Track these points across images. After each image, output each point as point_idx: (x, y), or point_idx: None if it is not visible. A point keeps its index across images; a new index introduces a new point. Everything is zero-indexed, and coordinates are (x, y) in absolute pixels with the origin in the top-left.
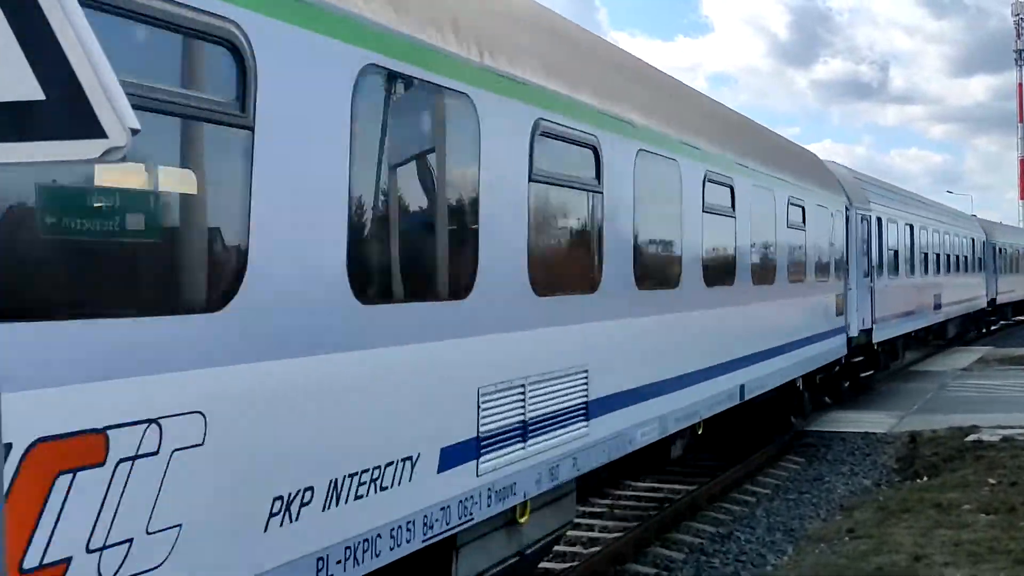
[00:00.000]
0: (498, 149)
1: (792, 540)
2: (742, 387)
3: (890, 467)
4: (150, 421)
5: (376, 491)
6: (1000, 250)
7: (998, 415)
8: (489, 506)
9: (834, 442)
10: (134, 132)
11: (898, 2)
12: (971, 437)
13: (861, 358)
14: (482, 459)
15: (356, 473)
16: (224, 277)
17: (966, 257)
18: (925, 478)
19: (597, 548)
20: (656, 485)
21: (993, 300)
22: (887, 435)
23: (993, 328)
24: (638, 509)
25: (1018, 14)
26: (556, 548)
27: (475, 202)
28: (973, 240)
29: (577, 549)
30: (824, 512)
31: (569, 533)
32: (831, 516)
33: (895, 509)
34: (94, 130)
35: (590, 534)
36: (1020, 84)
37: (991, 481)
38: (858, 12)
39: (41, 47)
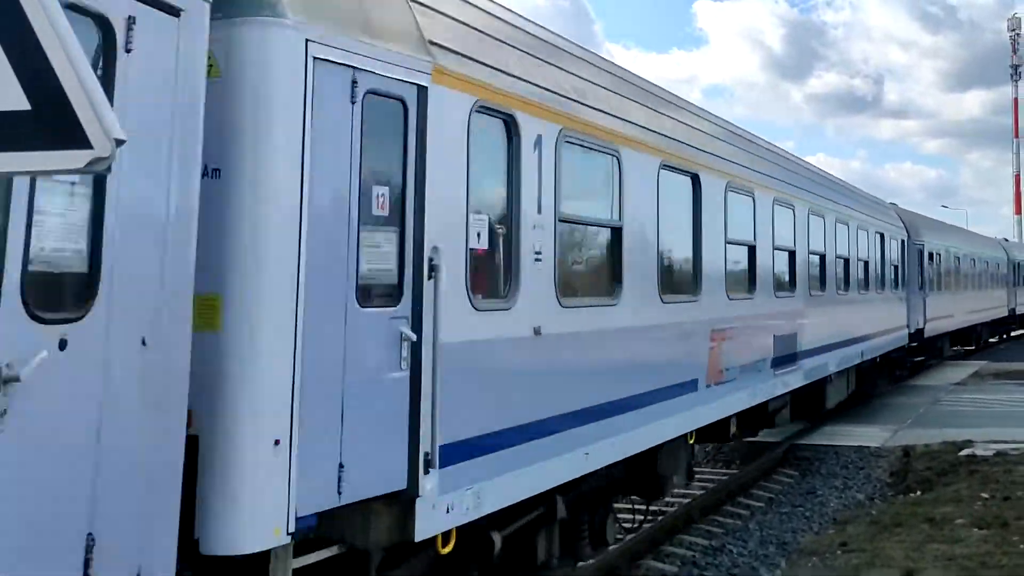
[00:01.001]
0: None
1: (784, 553)
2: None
3: (883, 481)
4: None
5: None
6: (1019, 265)
7: (992, 429)
8: None
9: (828, 455)
10: (119, 143)
11: (893, 16)
12: (965, 451)
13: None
14: None
15: None
16: None
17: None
18: (918, 492)
19: (591, 560)
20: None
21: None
22: (881, 449)
23: (1013, 333)
24: (630, 522)
25: (1014, 29)
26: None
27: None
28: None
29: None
30: (817, 525)
31: None
32: (824, 530)
33: (888, 523)
34: (79, 141)
35: None
36: (1016, 99)
37: (984, 496)
38: (852, 26)
39: (27, 57)
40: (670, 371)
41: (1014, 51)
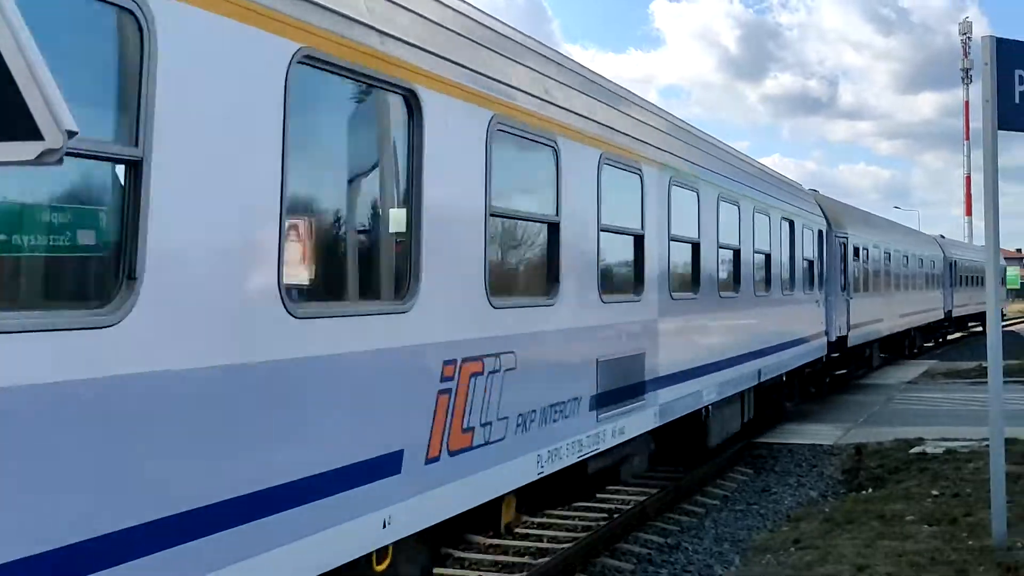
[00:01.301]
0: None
1: (739, 551)
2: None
3: (836, 479)
4: None
5: None
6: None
7: (942, 427)
8: None
9: (782, 454)
10: (71, 134)
11: (847, 18)
12: (915, 449)
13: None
14: None
15: None
16: None
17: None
18: (870, 489)
19: (546, 559)
20: (607, 496)
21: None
22: (834, 447)
23: (950, 337)
24: (587, 520)
25: (965, 33)
26: (503, 558)
27: None
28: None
29: (526, 560)
30: (771, 523)
31: (517, 543)
32: (778, 527)
33: (840, 520)
34: (29, 131)
35: (539, 544)
36: (967, 102)
37: (934, 493)
38: (807, 27)
39: None
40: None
41: (965, 54)
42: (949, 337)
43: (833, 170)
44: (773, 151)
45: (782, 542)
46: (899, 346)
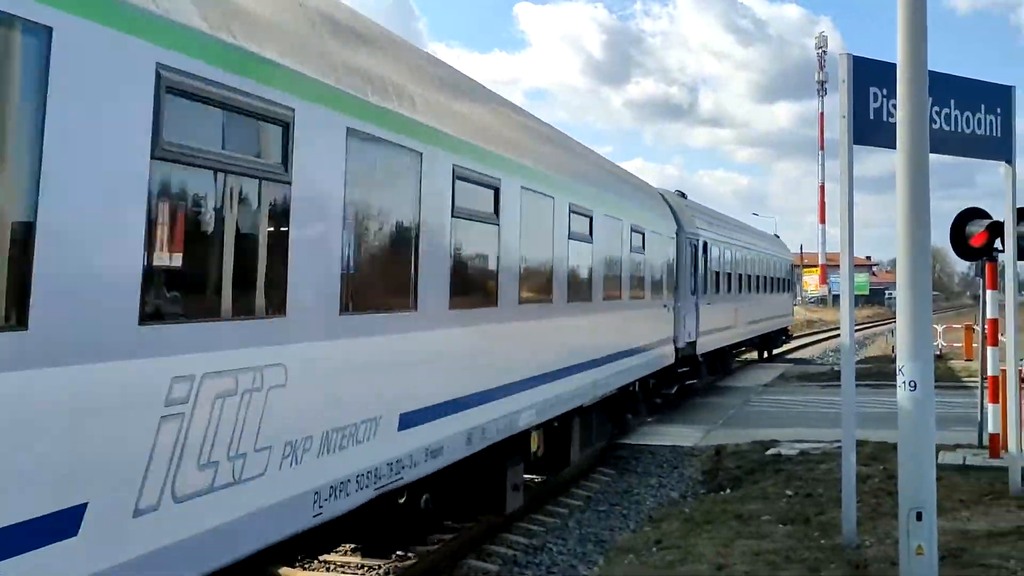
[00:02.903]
0: None
1: (602, 551)
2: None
3: (696, 479)
4: None
5: None
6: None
7: (796, 429)
8: None
9: (644, 455)
10: None
11: (708, 27)
12: (771, 451)
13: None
14: None
15: None
16: None
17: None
18: (728, 490)
19: (412, 560)
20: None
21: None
22: (694, 448)
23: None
24: (456, 521)
25: (820, 47)
26: (368, 560)
27: None
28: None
29: (393, 562)
30: (633, 523)
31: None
32: (640, 527)
33: (700, 520)
34: None
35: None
36: (822, 113)
37: (788, 493)
38: (669, 35)
39: None
40: None
41: (821, 67)
42: (804, 341)
43: (694, 176)
44: (635, 155)
45: (644, 542)
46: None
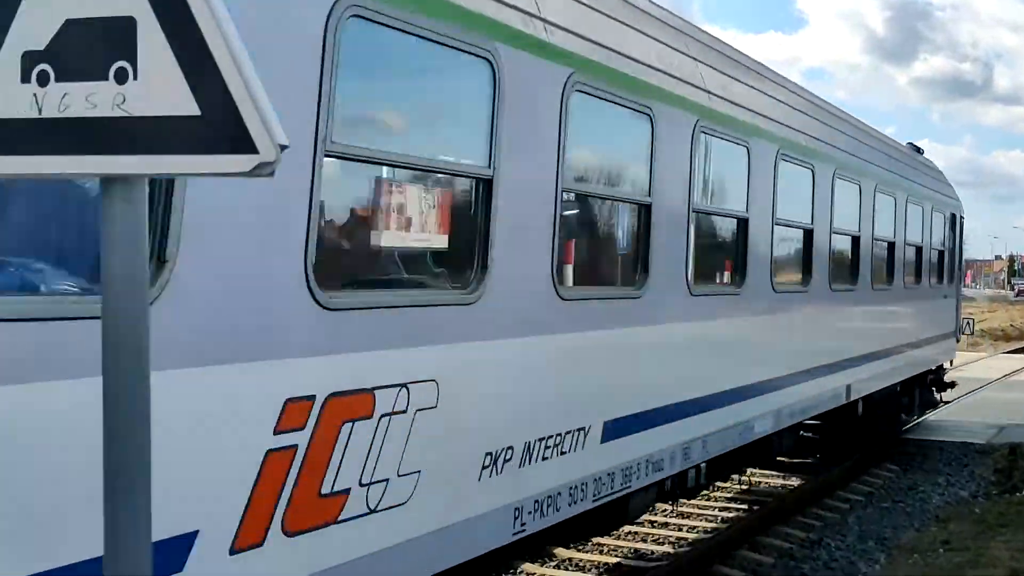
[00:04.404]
0: None
1: (884, 549)
2: None
3: (988, 479)
4: None
5: None
6: None
7: None
8: None
9: (931, 451)
10: (283, 148)
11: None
12: None
13: None
14: None
15: None
16: None
17: None
18: None
19: (685, 548)
20: (747, 487)
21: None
22: (986, 446)
23: None
24: (728, 510)
25: None
26: (643, 546)
27: None
28: None
29: (666, 548)
30: (918, 522)
31: (658, 532)
32: (925, 527)
33: (992, 523)
34: (245, 145)
35: (678, 534)
36: None
37: None
38: (959, 8)
39: (197, 64)
40: None
41: None
42: None
43: (986, 156)
44: (922, 136)
45: (930, 542)
46: None
